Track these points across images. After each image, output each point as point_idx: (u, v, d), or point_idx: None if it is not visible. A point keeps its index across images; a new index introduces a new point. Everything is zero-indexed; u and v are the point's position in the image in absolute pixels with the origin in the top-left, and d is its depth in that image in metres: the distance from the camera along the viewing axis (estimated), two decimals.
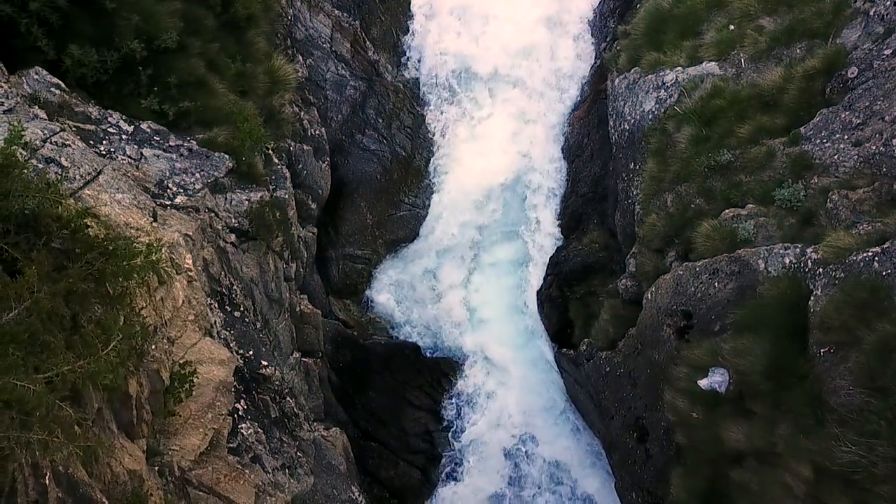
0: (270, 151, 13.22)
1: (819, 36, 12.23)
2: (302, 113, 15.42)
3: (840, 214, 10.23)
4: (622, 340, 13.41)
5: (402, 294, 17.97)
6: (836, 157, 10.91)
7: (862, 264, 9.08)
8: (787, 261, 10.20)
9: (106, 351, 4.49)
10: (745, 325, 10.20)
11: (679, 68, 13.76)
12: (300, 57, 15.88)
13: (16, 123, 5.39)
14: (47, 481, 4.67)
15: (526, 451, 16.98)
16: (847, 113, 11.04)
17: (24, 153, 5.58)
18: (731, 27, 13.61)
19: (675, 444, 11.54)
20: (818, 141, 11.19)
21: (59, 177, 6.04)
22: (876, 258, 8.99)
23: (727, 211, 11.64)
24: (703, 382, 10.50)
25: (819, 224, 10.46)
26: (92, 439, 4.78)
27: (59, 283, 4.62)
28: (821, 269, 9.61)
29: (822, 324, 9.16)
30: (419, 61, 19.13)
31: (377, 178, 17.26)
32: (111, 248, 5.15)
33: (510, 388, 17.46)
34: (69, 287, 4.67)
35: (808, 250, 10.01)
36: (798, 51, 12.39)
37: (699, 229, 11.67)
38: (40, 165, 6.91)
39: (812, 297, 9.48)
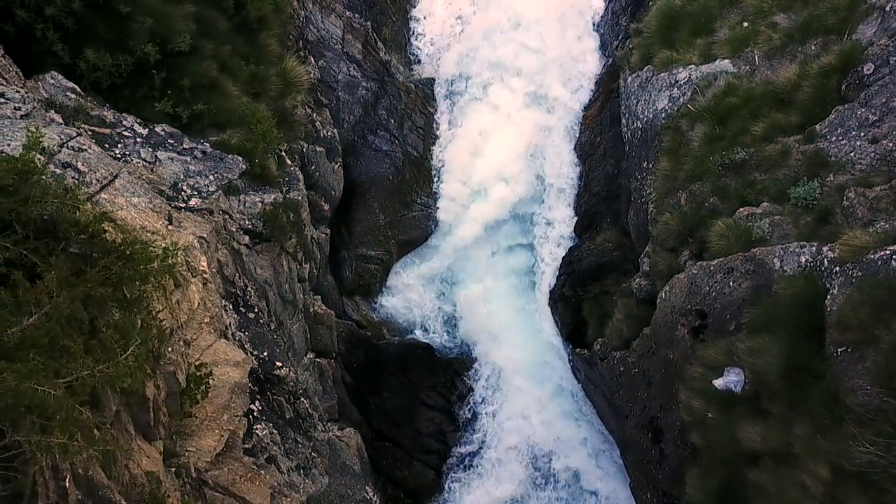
0: (283, 153, 13.28)
1: (834, 32, 12.11)
2: (314, 114, 15.47)
3: (857, 212, 10.13)
4: (636, 340, 13.35)
5: (414, 293, 17.98)
6: (852, 154, 10.81)
7: (879, 263, 8.98)
8: (803, 259, 10.12)
9: (125, 356, 4.53)
10: (761, 325, 10.12)
11: (692, 66, 13.67)
12: (312, 58, 15.92)
13: (34, 130, 5.45)
14: (67, 484, 4.72)
15: (540, 450, 16.95)
16: (863, 110, 10.93)
17: (42, 158, 5.63)
18: (745, 24, 13.50)
19: (691, 444, 11.48)
20: (834, 138, 11.09)
21: (77, 182, 6.09)
22: (893, 257, 8.89)
23: (742, 209, 11.56)
24: (719, 382, 10.44)
25: (835, 222, 10.36)
26: (111, 442, 4.82)
27: (78, 287, 4.66)
28: (837, 268, 9.52)
29: (838, 323, 9.07)
30: None
31: (389, 178, 17.27)
32: (128, 252, 5.19)
33: (523, 387, 17.44)
34: (87, 292, 4.72)
35: (825, 249, 9.92)
36: (813, 47, 12.28)
37: (713, 228, 11.59)
38: (58, 171, 6.98)
39: (828, 297, 9.39)
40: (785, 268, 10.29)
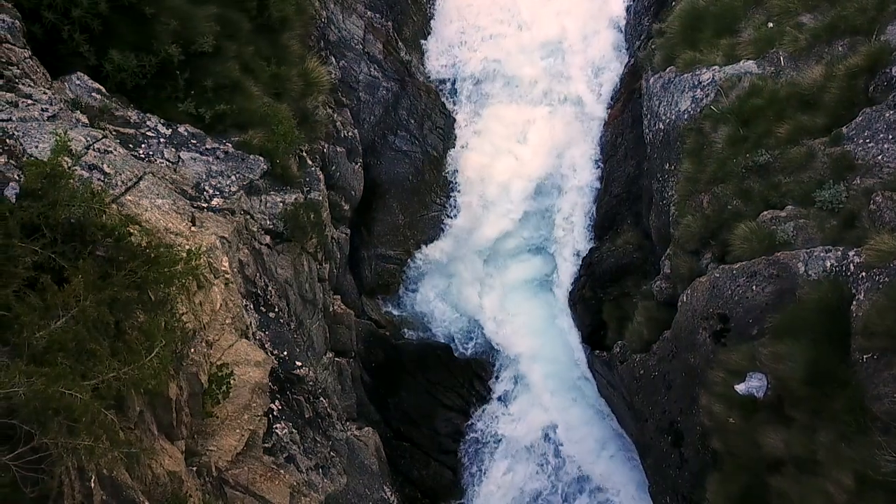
0: (304, 153, 13.34)
1: (862, 33, 11.93)
2: (335, 115, 15.52)
3: (884, 216, 9.97)
4: (656, 343, 13.25)
5: (431, 292, 17.99)
6: (879, 157, 10.64)
7: None
8: (829, 264, 9.98)
9: (150, 358, 4.58)
10: (784, 330, 10.00)
11: (716, 67, 13.52)
12: (333, 59, 15.97)
13: (62, 134, 5.52)
14: (93, 484, 4.78)
15: (557, 451, 16.90)
16: (891, 112, 10.75)
17: (69, 161, 5.70)
18: (770, 24, 13.34)
19: (711, 449, 11.37)
20: (861, 141, 10.92)
21: (103, 184, 6.16)
22: None
23: (765, 212, 11.42)
24: (741, 387, 10.32)
25: (862, 226, 10.20)
26: (135, 444, 4.87)
27: (104, 291, 4.72)
28: (864, 273, 9.39)
29: (864, 329, 8.94)
30: None
31: (409, 178, 17.29)
32: (153, 255, 5.25)
33: (541, 388, 17.40)
34: (114, 295, 4.77)
35: (851, 253, 9.78)
36: (840, 48, 12.10)
37: (736, 231, 11.47)
38: (85, 174, 7.06)
39: (854, 302, 9.26)
40: (809, 272, 10.16)
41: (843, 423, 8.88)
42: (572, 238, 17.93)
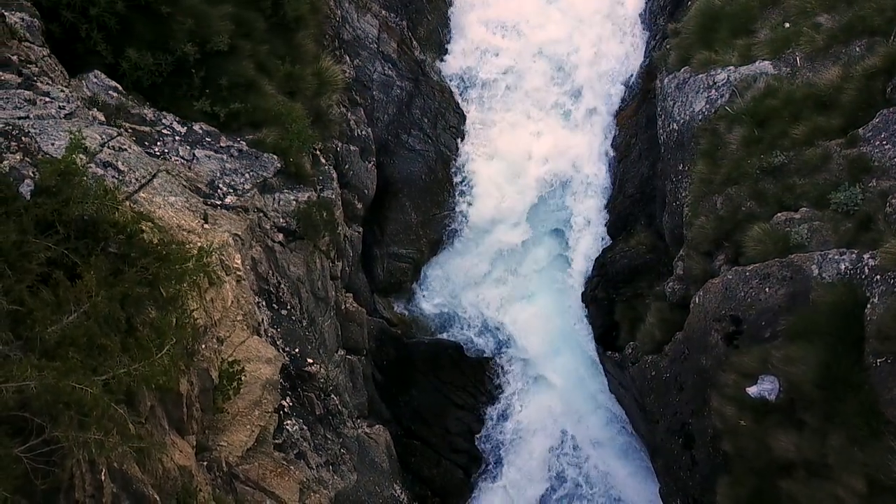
0: (318, 152, 13.41)
1: (880, 33, 11.81)
2: (349, 113, 15.58)
3: None
4: (668, 344, 13.19)
5: (442, 291, 18.01)
6: None
7: None
8: (843, 267, 9.89)
9: (160, 355, 4.65)
10: (797, 333, 9.93)
11: (731, 67, 13.43)
12: (347, 58, 16.04)
13: (76, 132, 5.61)
14: (103, 477, 4.85)
15: (567, 453, 16.88)
16: None
17: (84, 158, 5.79)
18: (787, 25, 13.24)
19: (722, 451, 11.31)
20: (878, 143, 10.81)
21: (117, 181, 6.24)
22: None
23: (779, 214, 11.34)
24: (752, 390, 10.27)
25: (877, 229, 10.10)
26: (145, 438, 4.94)
27: (116, 287, 4.80)
28: (878, 276, 9.30)
29: (878, 333, 8.86)
30: None
31: (422, 177, 17.33)
32: (165, 252, 5.32)
33: (552, 388, 17.38)
34: (125, 291, 4.85)
35: (865, 256, 9.69)
36: (857, 49, 11.99)
37: (750, 233, 11.39)
38: (99, 171, 7.16)
39: (868, 305, 9.18)
40: (823, 275, 10.07)
41: (856, 427, 8.81)
42: (585, 239, 17.89)
